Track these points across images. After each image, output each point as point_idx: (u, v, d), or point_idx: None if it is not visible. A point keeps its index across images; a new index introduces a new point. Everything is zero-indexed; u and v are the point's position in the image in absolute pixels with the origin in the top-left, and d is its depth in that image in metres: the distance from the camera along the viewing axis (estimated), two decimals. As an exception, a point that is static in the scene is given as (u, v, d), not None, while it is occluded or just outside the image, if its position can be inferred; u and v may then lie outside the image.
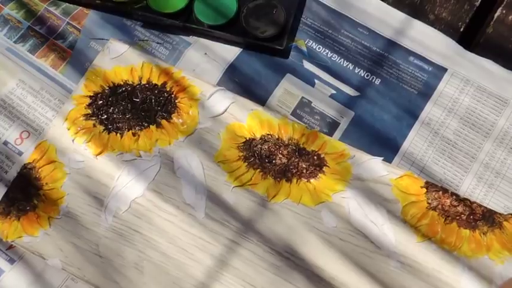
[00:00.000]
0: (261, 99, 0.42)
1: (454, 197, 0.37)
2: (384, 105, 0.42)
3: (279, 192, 0.38)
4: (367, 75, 0.43)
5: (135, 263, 0.36)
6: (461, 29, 0.45)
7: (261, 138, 0.39)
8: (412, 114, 0.41)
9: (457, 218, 0.37)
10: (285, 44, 0.42)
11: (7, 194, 0.39)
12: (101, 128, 0.40)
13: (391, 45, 0.43)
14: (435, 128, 0.41)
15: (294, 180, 0.38)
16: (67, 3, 0.45)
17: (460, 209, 0.37)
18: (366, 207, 0.37)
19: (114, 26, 0.44)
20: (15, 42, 0.44)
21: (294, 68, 0.43)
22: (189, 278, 0.36)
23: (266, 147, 0.39)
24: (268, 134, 0.39)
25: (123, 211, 0.38)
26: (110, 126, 0.40)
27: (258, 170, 0.38)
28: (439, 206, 0.37)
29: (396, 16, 0.44)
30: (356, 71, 0.43)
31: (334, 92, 0.42)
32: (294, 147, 0.39)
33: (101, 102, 0.41)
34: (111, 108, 0.41)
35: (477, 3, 0.45)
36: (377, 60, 0.43)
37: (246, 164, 0.39)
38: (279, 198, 0.38)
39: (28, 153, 0.40)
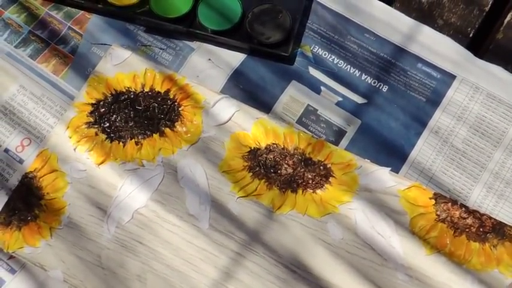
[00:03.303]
0: (266, 106, 0.41)
1: (464, 208, 0.37)
2: (391, 113, 0.41)
3: (285, 203, 0.37)
4: (374, 82, 0.42)
5: (138, 275, 0.36)
6: (471, 35, 0.44)
7: (266, 148, 0.38)
8: (421, 122, 0.40)
9: (467, 230, 0.36)
10: (290, 50, 0.41)
11: (8, 204, 0.38)
12: (103, 136, 0.39)
13: (399, 51, 0.43)
14: (444, 137, 0.40)
15: (300, 191, 0.37)
16: (69, 7, 0.44)
17: (469, 221, 0.36)
18: (373, 219, 0.37)
19: (117, 31, 0.43)
20: (16, 47, 0.43)
21: (299, 74, 0.42)
22: (193, 290, 0.35)
23: (271, 157, 0.38)
24: (273, 144, 0.38)
25: (126, 221, 0.37)
26: (112, 135, 0.39)
27: (263, 180, 0.38)
28: (448, 218, 0.37)
29: (404, 21, 0.44)
30: (363, 78, 0.42)
31: (340, 99, 0.41)
32: (300, 157, 0.38)
33: (103, 110, 0.40)
34: (114, 116, 0.40)
35: (487, 8, 0.44)
36: (384, 67, 0.42)
37: (251, 174, 0.38)
38: (285, 209, 0.37)
39: (29, 160, 0.40)
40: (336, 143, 0.40)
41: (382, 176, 0.38)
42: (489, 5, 0.44)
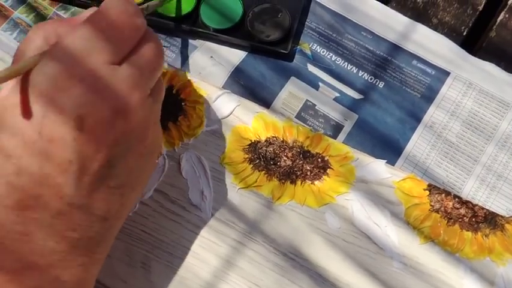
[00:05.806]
0: (266, 102, 0.42)
1: (457, 199, 0.38)
2: (387, 108, 0.42)
3: (284, 193, 0.38)
4: (371, 79, 0.43)
5: (142, 262, 0.37)
6: (464, 33, 0.45)
7: (266, 141, 0.40)
8: (415, 117, 0.42)
9: (460, 220, 0.38)
10: (289, 48, 0.43)
11: None
12: (109, 130, 0.41)
13: (395, 49, 0.44)
14: (438, 131, 0.41)
15: (299, 182, 0.39)
16: (76, 7, 0.46)
17: (462, 211, 0.38)
18: (369, 209, 0.38)
19: (122, 30, 0.45)
20: (24, 45, 0.45)
21: (298, 71, 0.43)
22: (196, 277, 0.37)
23: (271, 149, 0.40)
24: (273, 137, 0.40)
25: (131, 212, 0.38)
26: (117, 129, 0.41)
27: (263, 172, 0.39)
28: (442, 208, 0.38)
29: (400, 20, 0.45)
30: (360, 75, 0.43)
31: (338, 95, 0.43)
32: (299, 150, 0.39)
33: (109, 104, 0.41)
34: (119, 110, 0.41)
35: (480, 8, 0.46)
36: (381, 64, 0.44)
37: (251, 166, 0.39)
38: (284, 199, 0.38)
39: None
40: (334, 137, 0.41)
41: (378, 167, 0.39)
42: (482, 5, 0.46)
